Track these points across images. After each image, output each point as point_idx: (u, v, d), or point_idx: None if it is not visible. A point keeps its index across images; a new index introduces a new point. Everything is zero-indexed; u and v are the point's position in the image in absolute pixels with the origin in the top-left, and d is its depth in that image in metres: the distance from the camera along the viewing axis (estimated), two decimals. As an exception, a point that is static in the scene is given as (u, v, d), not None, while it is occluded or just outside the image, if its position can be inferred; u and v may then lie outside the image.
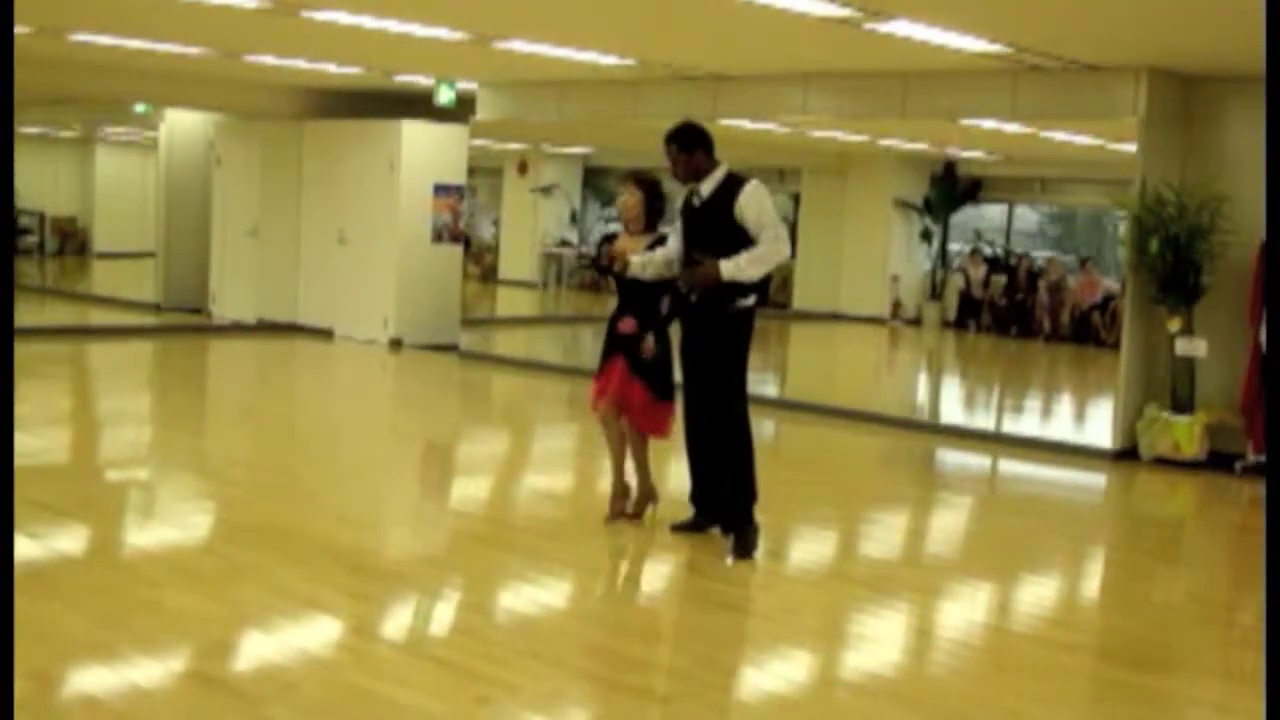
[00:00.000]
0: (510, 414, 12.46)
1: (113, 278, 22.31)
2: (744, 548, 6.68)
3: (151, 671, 4.81)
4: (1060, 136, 14.78)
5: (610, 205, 25.84)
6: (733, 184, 6.71)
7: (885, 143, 18.57)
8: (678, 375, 7.01)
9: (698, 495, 7.06)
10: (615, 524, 7.13)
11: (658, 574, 6.67)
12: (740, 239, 6.62)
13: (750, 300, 6.73)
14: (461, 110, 14.30)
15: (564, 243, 24.93)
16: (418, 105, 14.59)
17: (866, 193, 21.15)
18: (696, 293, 6.70)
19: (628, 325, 7.00)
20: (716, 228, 6.67)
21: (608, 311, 7.32)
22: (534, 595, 6.12)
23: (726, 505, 6.82)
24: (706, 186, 6.75)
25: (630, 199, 7.03)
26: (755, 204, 6.65)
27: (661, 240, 6.96)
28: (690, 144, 6.78)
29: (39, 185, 25.40)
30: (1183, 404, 10.07)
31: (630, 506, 7.19)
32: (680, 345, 6.94)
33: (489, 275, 24.96)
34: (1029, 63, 9.90)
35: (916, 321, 21.38)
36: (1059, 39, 9.12)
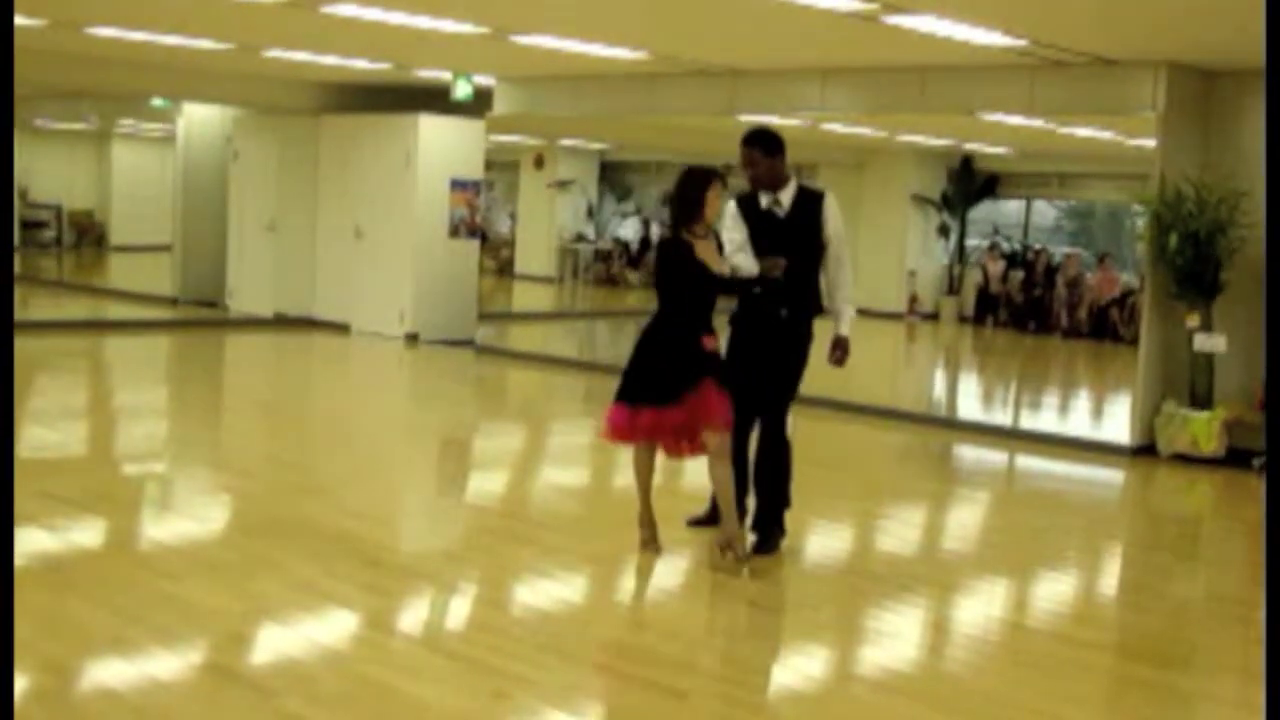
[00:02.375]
0: (527, 409, 12.46)
1: (130, 271, 22.35)
2: (767, 547, 6.67)
3: (169, 664, 4.82)
4: (1079, 131, 14.73)
5: (627, 199, 25.84)
6: (812, 196, 6.69)
7: (903, 138, 18.53)
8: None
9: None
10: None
11: (675, 569, 6.66)
12: (820, 251, 6.67)
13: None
14: (479, 105, 14.29)
15: (580, 237, 24.92)
16: (435, 99, 14.59)
17: (884, 188, 21.11)
18: (787, 309, 6.65)
19: (712, 342, 6.47)
20: (802, 241, 6.63)
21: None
22: (551, 590, 6.11)
23: (759, 505, 6.77)
24: (786, 197, 6.67)
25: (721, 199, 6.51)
26: (836, 218, 6.69)
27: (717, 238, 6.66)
28: (775, 148, 6.65)
29: (56, 179, 25.47)
30: (1201, 400, 10.02)
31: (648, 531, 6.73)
32: (745, 351, 6.70)
33: (505, 270, 24.97)
34: (1048, 57, 9.86)
35: (934, 317, 21.34)
36: (1078, 33, 9.08)
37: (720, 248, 6.52)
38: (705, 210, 6.38)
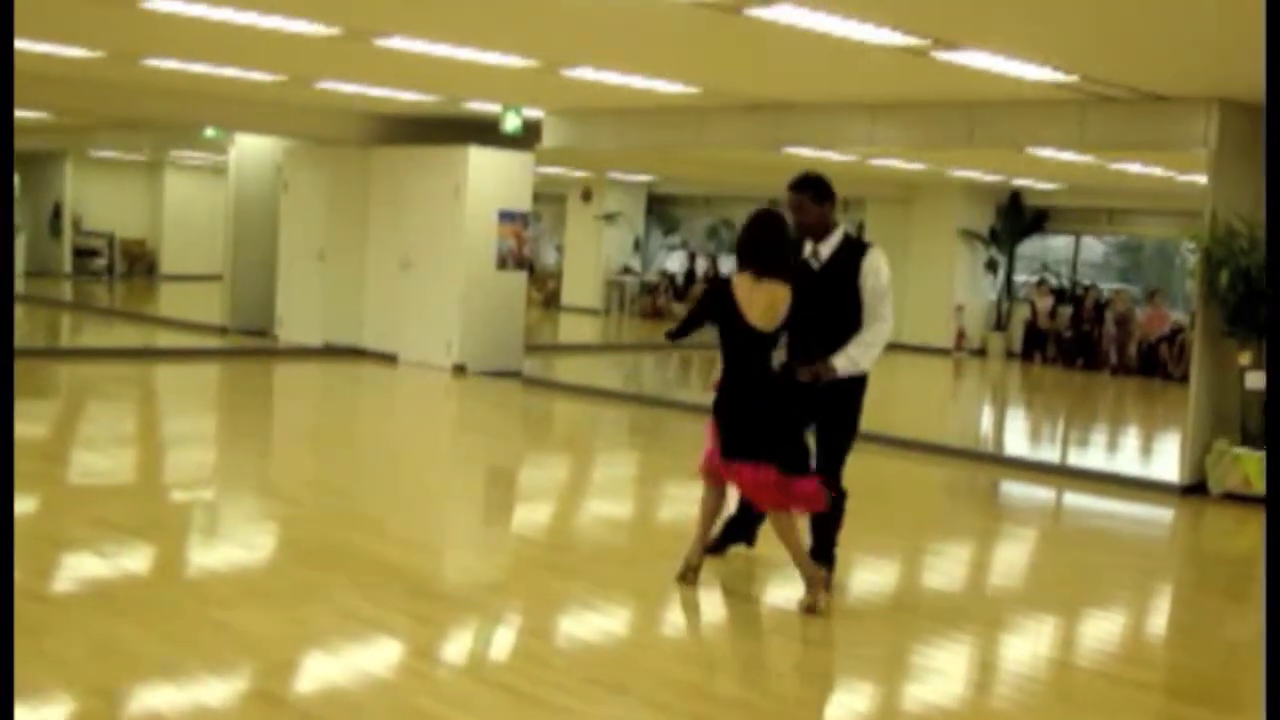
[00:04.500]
0: (573, 440, 12.47)
1: (180, 300, 22.58)
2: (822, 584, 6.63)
3: (218, 690, 4.84)
4: (1129, 167, 14.65)
5: (673, 232, 25.91)
6: (854, 248, 6.51)
7: (951, 173, 18.49)
8: None
9: (736, 520, 7.04)
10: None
11: (721, 602, 6.64)
12: (857, 305, 6.43)
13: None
14: (527, 137, 14.38)
15: (627, 270, 24.99)
16: (484, 132, 14.69)
17: (932, 222, 21.07)
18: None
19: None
20: (836, 294, 6.43)
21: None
22: (596, 621, 6.11)
23: (816, 547, 6.70)
24: (825, 249, 6.50)
25: None
26: (876, 273, 6.43)
27: None
28: (825, 195, 6.49)
29: (109, 208, 25.82)
30: (1253, 438, 9.93)
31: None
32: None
33: (552, 302, 25.06)
34: (1098, 93, 9.83)
35: (981, 352, 21.24)
36: (1129, 69, 9.05)
37: None
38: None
